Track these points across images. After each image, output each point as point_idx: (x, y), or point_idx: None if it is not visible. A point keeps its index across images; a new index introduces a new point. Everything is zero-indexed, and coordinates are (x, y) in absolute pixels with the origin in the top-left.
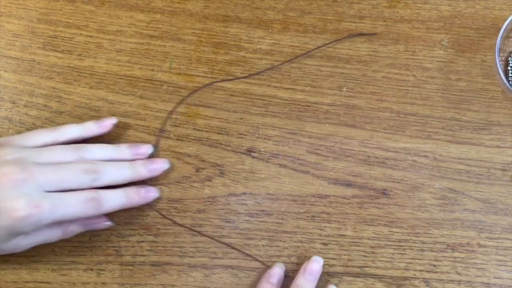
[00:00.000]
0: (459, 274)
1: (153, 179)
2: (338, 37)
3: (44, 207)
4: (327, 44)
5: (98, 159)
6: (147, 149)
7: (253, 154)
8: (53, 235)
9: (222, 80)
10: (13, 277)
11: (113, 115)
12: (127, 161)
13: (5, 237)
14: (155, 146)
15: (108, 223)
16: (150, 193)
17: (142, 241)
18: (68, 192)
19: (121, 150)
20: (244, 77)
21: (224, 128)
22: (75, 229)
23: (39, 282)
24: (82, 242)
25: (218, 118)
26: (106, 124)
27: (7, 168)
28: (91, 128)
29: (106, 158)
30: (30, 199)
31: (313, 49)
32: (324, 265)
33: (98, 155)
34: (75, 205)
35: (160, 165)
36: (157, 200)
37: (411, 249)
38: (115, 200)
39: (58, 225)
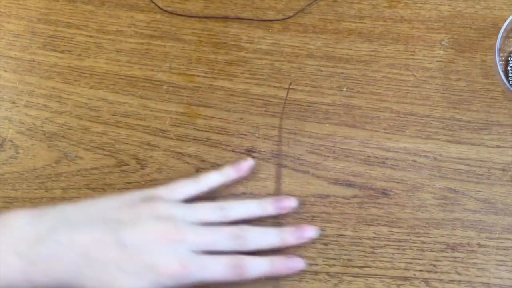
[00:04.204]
0: (459, 274)
1: (152, 179)
2: (338, 37)
3: (192, 269)
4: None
5: (242, 217)
6: (290, 202)
7: (253, 154)
8: None
9: None
10: None
11: (113, 115)
12: (274, 228)
13: None
14: (298, 202)
15: None
16: (296, 264)
17: None
18: (214, 255)
19: (265, 206)
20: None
21: (224, 128)
22: None
23: None
24: None
25: (218, 118)
26: (244, 168)
27: (164, 225)
28: (230, 174)
29: (249, 215)
30: (181, 260)
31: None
32: (324, 265)
33: (242, 213)
34: (220, 270)
35: (308, 234)
36: None
37: (411, 249)
38: (259, 268)
39: None
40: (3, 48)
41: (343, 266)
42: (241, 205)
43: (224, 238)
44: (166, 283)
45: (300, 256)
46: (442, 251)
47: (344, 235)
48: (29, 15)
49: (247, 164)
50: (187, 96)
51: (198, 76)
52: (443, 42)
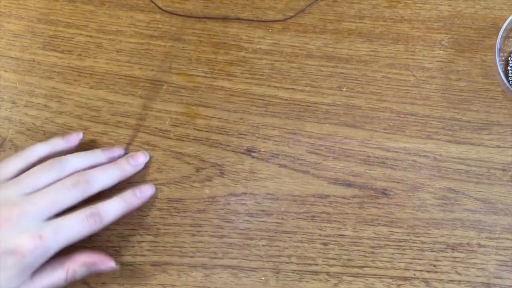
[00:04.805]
0: (459, 274)
1: (152, 179)
2: (338, 37)
3: (47, 236)
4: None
5: (78, 169)
6: (119, 152)
7: (253, 154)
8: (58, 277)
9: None
10: None
11: (113, 115)
12: (110, 163)
13: (16, 279)
14: (126, 149)
15: (113, 265)
16: (146, 192)
17: (142, 241)
18: (66, 215)
19: (97, 156)
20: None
21: (224, 128)
22: (77, 270)
23: None
24: (82, 242)
25: (218, 118)
26: (73, 139)
27: None
28: (59, 143)
29: (85, 166)
30: (31, 232)
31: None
32: (324, 265)
33: (78, 165)
34: (77, 226)
35: (142, 159)
36: (157, 200)
37: (411, 249)
38: (114, 209)
39: (60, 265)
40: (3, 48)
41: (343, 266)
42: (73, 157)
43: (65, 190)
44: (30, 261)
45: (300, 256)
46: (442, 251)
47: (344, 235)
48: (29, 15)
49: (76, 136)
50: (187, 96)
51: (198, 76)
52: (443, 42)
